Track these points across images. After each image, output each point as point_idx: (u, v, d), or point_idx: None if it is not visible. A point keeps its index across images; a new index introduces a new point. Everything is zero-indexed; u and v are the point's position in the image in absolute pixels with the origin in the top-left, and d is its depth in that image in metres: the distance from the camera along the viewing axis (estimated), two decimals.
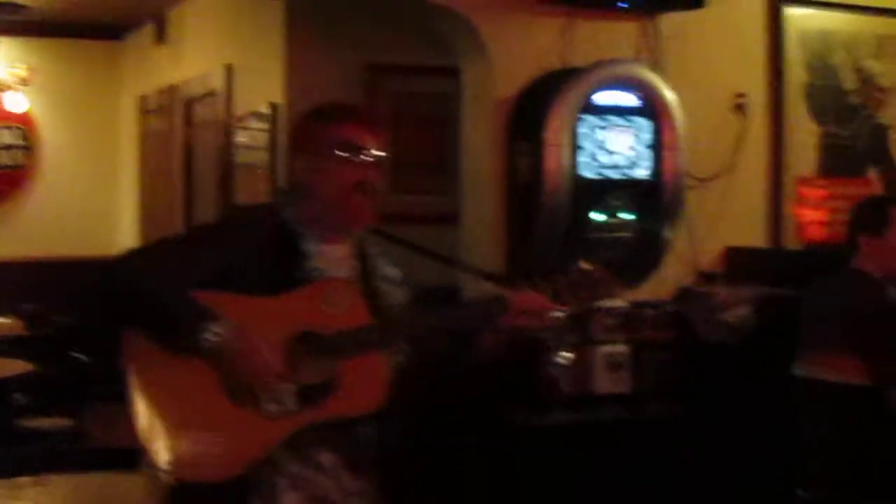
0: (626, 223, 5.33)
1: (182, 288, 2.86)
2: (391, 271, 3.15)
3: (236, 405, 2.85)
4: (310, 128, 3.11)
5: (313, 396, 2.87)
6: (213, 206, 8.29)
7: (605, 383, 5.26)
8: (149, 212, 10.09)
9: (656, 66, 5.62)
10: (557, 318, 4.75)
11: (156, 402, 2.89)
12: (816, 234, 6.28)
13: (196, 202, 8.80)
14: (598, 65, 5.34)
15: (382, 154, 3.05)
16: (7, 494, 4.22)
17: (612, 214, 5.31)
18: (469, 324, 3.02)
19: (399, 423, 3.08)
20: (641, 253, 5.39)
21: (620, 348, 5.30)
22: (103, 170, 11.10)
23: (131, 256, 3.02)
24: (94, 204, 11.02)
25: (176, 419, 2.86)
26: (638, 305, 5.44)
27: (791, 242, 6.18)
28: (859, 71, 6.41)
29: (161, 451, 2.87)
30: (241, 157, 7.68)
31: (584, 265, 3.08)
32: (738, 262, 5.86)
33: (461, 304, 3.03)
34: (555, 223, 5.16)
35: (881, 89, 6.46)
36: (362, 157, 3.01)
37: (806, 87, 6.24)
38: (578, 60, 5.43)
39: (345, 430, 2.95)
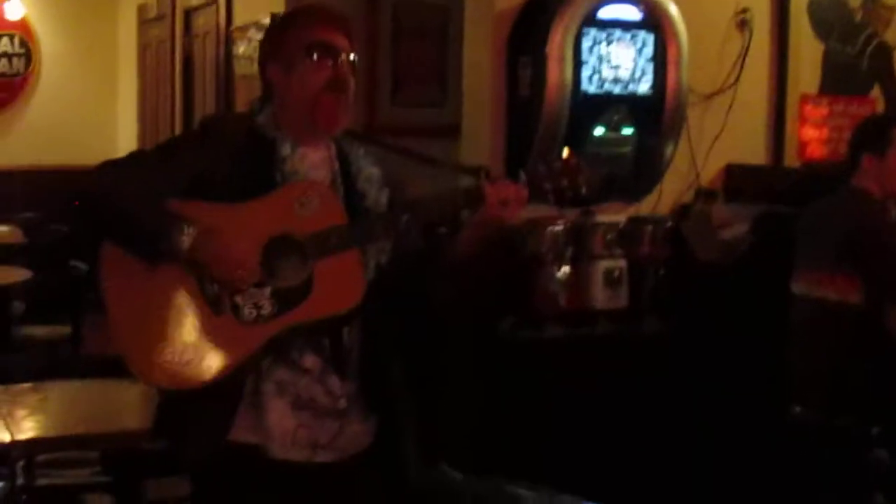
0: (626, 138, 5.31)
1: (153, 198, 2.84)
2: (373, 171, 3.10)
3: (214, 313, 2.85)
4: (278, 32, 3.09)
5: (290, 299, 2.85)
6: None
7: (602, 298, 5.27)
8: (148, 121, 10.06)
9: None
10: (556, 233, 4.77)
11: (133, 313, 2.87)
12: (818, 152, 6.26)
13: (195, 112, 8.77)
14: None
15: (352, 53, 3.02)
16: (6, 400, 4.25)
17: (613, 129, 5.29)
18: (444, 213, 2.98)
19: (384, 325, 3.04)
20: (641, 168, 5.38)
21: (619, 263, 5.29)
22: (102, 78, 11.06)
23: (103, 168, 2.99)
24: (92, 112, 10.99)
25: (154, 329, 2.85)
26: (637, 221, 5.44)
27: (792, 160, 6.16)
28: None
29: (140, 360, 2.86)
30: (240, 68, 7.64)
31: (563, 155, 3.04)
32: (739, 180, 5.85)
33: (435, 194, 2.97)
34: (555, 137, 5.14)
35: (887, 7, 6.40)
36: (331, 56, 2.97)
37: (810, 4, 6.19)
38: None
39: (327, 332, 2.94)
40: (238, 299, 2.86)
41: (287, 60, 3.00)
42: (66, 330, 7.56)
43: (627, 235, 5.38)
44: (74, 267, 7.51)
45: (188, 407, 2.90)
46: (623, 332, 5.33)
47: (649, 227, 5.45)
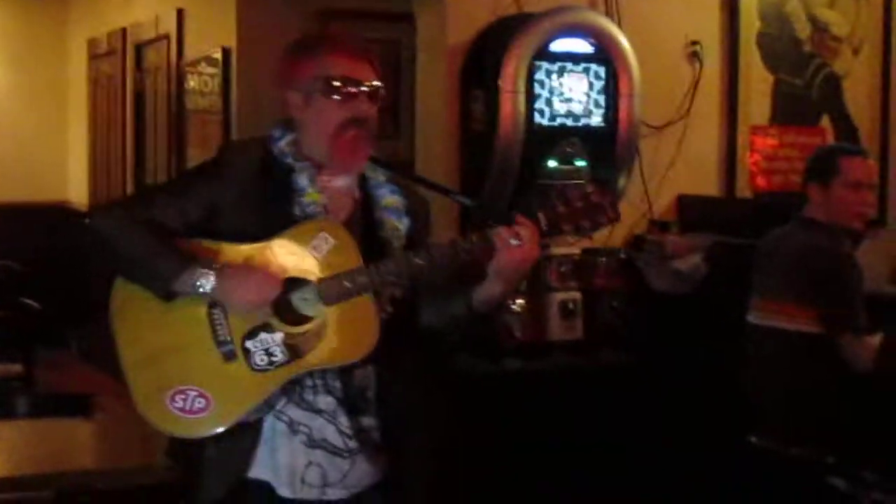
0: (579, 170, 5.33)
1: (166, 238, 2.80)
2: (394, 199, 3.02)
3: (225, 359, 2.81)
4: (296, 60, 2.99)
5: (302, 346, 2.81)
6: (164, 152, 8.23)
7: (557, 330, 5.28)
8: (99, 157, 10.00)
9: (611, 13, 5.61)
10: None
11: (144, 358, 2.85)
12: (769, 182, 6.31)
13: (147, 148, 8.73)
14: (553, 11, 5.32)
15: (376, 84, 2.95)
16: None
17: (565, 161, 5.31)
18: (457, 257, 2.85)
19: (400, 361, 2.98)
20: None
21: (573, 295, 5.31)
22: (52, 114, 10.98)
23: (111, 208, 2.95)
24: (43, 148, 10.90)
25: (165, 375, 2.82)
26: (590, 252, 5.45)
27: (744, 191, 6.21)
28: (813, 19, 6.42)
29: (151, 408, 2.84)
30: (192, 103, 7.62)
31: (585, 187, 2.90)
32: (691, 211, 5.88)
33: (450, 239, 2.89)
34: (508, 170, 5.16)
35: (835, 38, 6.47)
36: (353, 90, 2.90)
37: (759, 35, 6.25)
38: (533, 7, 5.41)
39: (339, 374, 2.89)
40: (249, 345, 2.81)
41: (306, 91, 2.92)
42: (17, 368, 7.47)
43: (581, 267, 5.40)
44: (25, 304, 7.45)
45: (207, 443, 2.86)
46: (579, 363, 5.33)
47: (603, 259, 5.47)
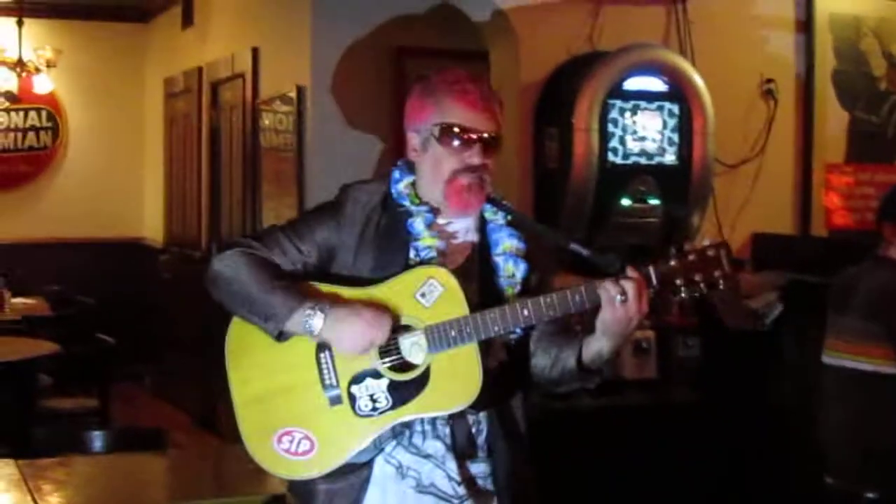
0: (653, 208, 5.32)
1: (282, 279, 2.82)
2: (512, 243, 2.96)
3: (330, 403, 2.81)
4: (417, 102, 2.96)
5: (405, 393, 2.80)
6: (238, 189, 8.30)
7: (631, 368, 5.25)
8: (174, 194, 10.11)
9: (684, 50, 5.61)
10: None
11: (254, 399, 2.87)
12: (844, 220, 6.26)
13: (222, 185, 8.81)
14: (627, 49, 5.32)
15: (493, 134, 2.89)
16: (32, 474, 4.22)
17: (639, 199, 5.30)
18: (566, 309, 2.78)
19: (512, 406, 2.94)
20: (668, 238, 5.37)
21: (647, 334, 5.28)
22: (129, 151, 11.13)
23: (231, 249, 2.94)
24: (119, 186, 11.05)
25: (273, 417, 2.84)
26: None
27: (819, 229, 6.16)
28: (889, 57, 6.38)
29: (261, 450, 2.86)
30: (266, 140, 7.68)
31: (703, 242, 2.81)
32: (765, 249, 5.85)
33: (559, 292, 2.83)
34: (582, 208, 5.16)
35: None
36: (469, 139, 2.86)
37: (834, 73, 6.22)
38: (606, 45, 5.41)
39: (449, 419, 2.86)
40: (354, 390, 2.81)
41: (424, 134, 2.90)
42: (92, 403, 7.55)
43: (656, 305, 5.36)
44: (101, 339, 7.52)
45: (318, 480, 2.86)
46: (653, 401, 5.30)
47: (677, 297, 5.43)
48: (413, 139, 2.95)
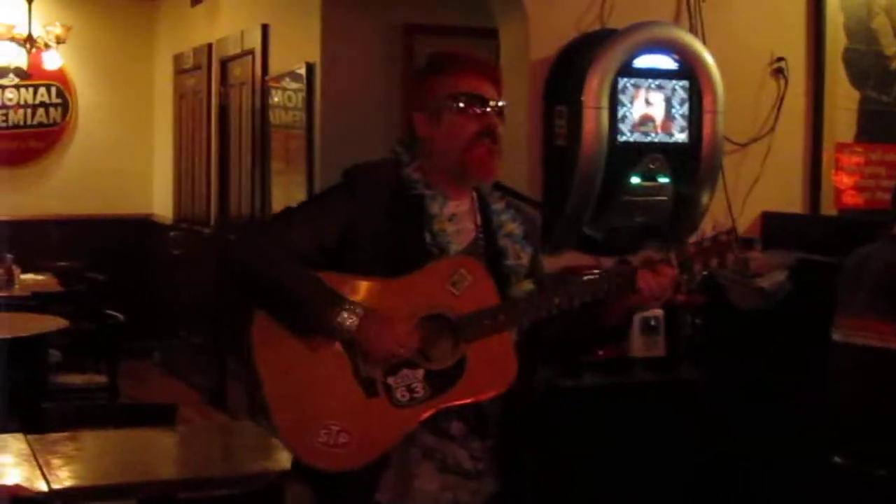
0: (662, 187, 5.30)
1: (308, 272, 2.83)
2: (514, 227, 3.05)
3: (367, 395, 2.82)
4: (423, 81, 3.03)
5: (442, 382, 2.83)
6: (248, 166, 8.31)
7: (639, 346, 5.25)
8: (184, 170, 10.13)
9: (695, 28, 5.59)
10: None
11: (288, 391, 2.87)
12: (854, 200, 6.24)
13: (231, 161, 8.82)
14: (637, 27, 5.29)
15: (502, 103, 3.00)
16: (42, 449, 4.25)
17: (648, 178, 5.28)
18: (596, 296, 2.89)
19: (522, 385, 2.95)
20: (677, 217, 5.36)
21: (655, 312, 5.27)
22: (138, 128, 11.15)
23: (251, 237, 2.97)
24: (128, 162, 11.08)
25: (309, 409, 2.84)
26: None
27: (829, 208, 6.14)
28: None
29: (298, 442, 2.86)
30: (276, 117, 7.69)
31: (715, 231, 2.97)
32: (775, 228, 5.83)
33: (589, 280, 2.90)
34: (591, 186, 5.14)
35: None
36: (480, 105, 2.94)
37: (845, 52, 6.19)
38: (616, 22, 5.39)
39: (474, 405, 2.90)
40: (391, 381, 2.83)
41: (434, 110, 2.95)
42: (102, 378, 7.58)
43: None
44: (110, 315, 7.54)
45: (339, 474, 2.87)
46: (660, 379, 5.30)
47: (685, 276, 5.42)
48: (420, 118, 2.98)
